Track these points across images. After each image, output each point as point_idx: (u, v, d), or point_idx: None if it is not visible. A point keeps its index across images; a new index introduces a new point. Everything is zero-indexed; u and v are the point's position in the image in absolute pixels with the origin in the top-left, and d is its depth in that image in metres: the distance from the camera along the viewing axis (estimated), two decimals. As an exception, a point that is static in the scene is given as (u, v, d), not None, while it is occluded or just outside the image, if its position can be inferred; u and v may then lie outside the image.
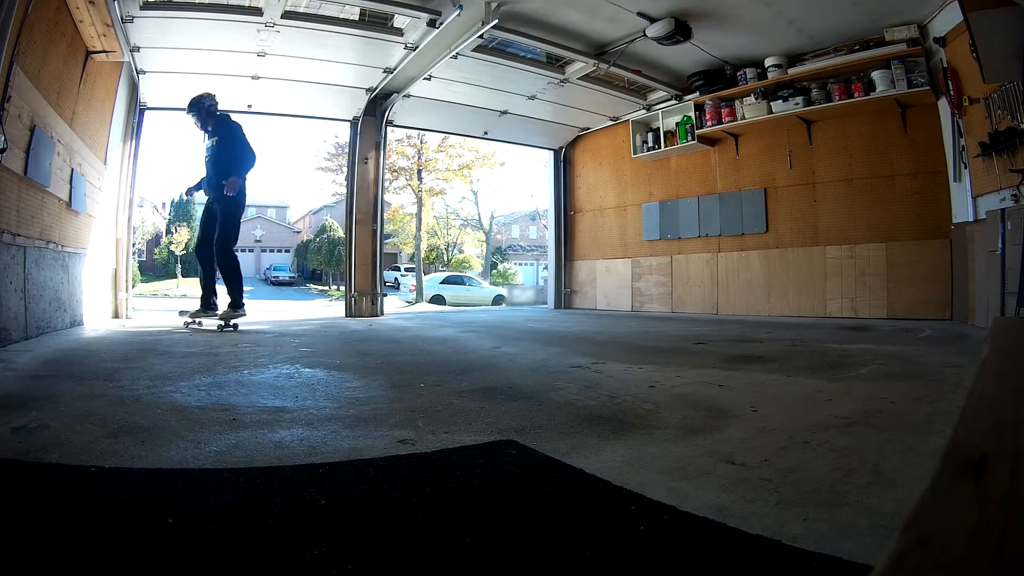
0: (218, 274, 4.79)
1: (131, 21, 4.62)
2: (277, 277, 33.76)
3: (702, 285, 6.94)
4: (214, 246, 4.66)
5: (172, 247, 32.21)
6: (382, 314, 7.15)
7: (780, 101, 5.93)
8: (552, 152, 8.74)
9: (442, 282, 20.77)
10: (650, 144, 7.26)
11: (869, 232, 5.66)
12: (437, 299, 19.25)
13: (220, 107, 4.83)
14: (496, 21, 4.80)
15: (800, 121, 5.98)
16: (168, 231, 33.99)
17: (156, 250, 34.55)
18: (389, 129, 7.31)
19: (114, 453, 1.41)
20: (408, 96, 6.60)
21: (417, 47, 5.40)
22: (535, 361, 3.07)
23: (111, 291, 5.79)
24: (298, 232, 41.10)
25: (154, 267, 33.88)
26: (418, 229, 21.69)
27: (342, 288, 13.66)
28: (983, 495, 0.41)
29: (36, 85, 3.54)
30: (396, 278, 26.46)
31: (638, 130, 7.40)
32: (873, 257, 5.62)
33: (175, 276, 30.02)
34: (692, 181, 7.10)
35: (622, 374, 2.61)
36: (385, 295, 7.44)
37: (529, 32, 5.30)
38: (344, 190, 8.71)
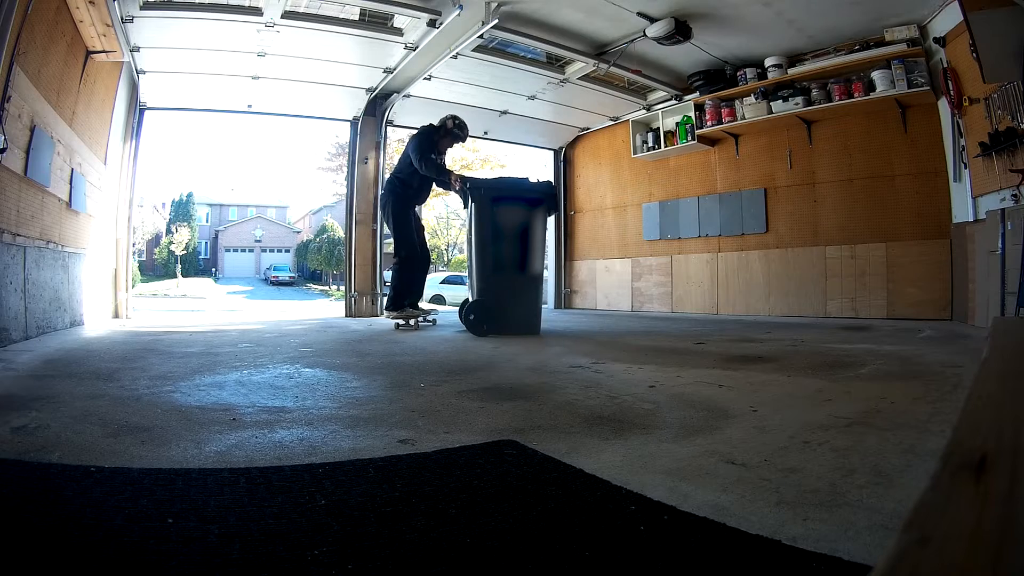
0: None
1: (131, 21, 4.61)
2: (277, 277, 33.78)
3: (702, 285, 6.94)
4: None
5: (172, 247, 32.23)
6: (382, 314, 7.14)
7: (780, 101, 5.92)
8: (552, 152, 8.73)
9: (442, 282, 20.72)
10: (650, 144, 7.25)
11: (869, 232, 5.65)
12: (437, 299, 19.22)
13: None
14: (496, 21, 4.80)
15: (800, 121, 5.98)
16: (168, 231, 34.01)
17: (156, 250, 34.59)
18: (389, 129, 7.30)
19: (114, 453, 1.41)
20: (408, 96, 6.59)
21: (417, 47, 5.40)
22: (535, 361, 3.07)
23: (111, 291, 5.79)
24: (298, 232, 41.10)
25: (154, 267, 33.90)
26: (418, 229, 21.63)
27: (342, 288, 13.64)
28: (983, 495, 0.41)
29: (36, 85, 3.54)
30: (396, 278, 26.39)
31: (638, 130, 7.38)
32: (873, 257, 5.61)
33: (175, 276, 30.03)
34: (692, 181, 7.09)
35: (622, 374, 2.61)
36: (385, 295, 7.43)
37: (529, 32, 5.30)
38: (344, 190, 8.70)
